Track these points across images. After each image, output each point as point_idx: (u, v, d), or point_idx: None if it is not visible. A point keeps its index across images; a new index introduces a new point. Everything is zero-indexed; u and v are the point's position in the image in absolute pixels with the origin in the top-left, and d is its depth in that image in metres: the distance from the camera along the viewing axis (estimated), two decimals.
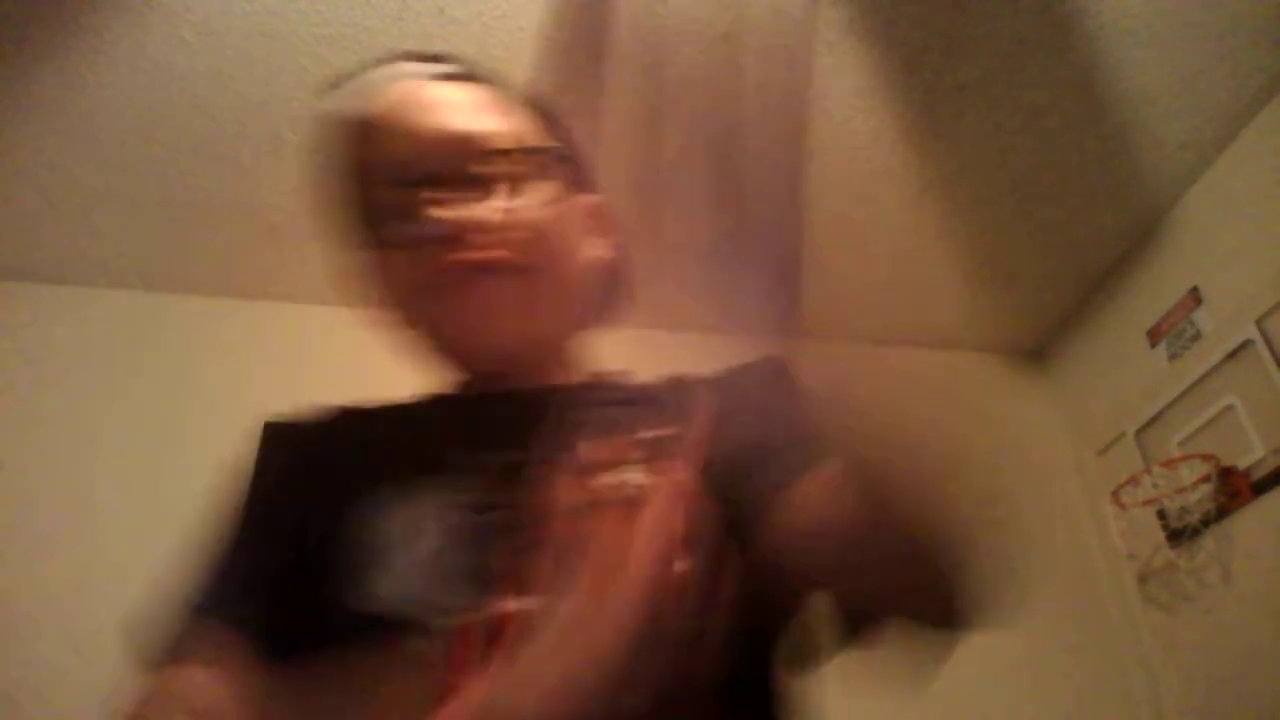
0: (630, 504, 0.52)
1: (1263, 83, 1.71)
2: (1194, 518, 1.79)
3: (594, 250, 0.68)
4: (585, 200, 0.68)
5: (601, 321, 0.71)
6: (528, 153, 0.61)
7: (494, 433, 0.59)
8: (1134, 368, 2.05)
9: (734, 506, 0.56)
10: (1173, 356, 1.94)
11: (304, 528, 0.59)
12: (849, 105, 1.71)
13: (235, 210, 1.89)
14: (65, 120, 1.67)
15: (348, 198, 0.64)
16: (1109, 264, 2.14)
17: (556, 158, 0.65)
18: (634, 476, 0.54)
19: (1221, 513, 1.76)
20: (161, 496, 1.86)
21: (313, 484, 0.62)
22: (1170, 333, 1.95)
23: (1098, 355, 2.21)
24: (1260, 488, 1.69)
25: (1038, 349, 2.41)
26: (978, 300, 2.23)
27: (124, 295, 2.07)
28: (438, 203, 0.58)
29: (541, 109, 0.68)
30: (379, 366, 2.20)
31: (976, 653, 2.08)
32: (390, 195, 0.60)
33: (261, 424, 0.72)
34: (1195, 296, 1.89)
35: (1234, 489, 1.74)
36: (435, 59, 0.67)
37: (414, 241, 0.59)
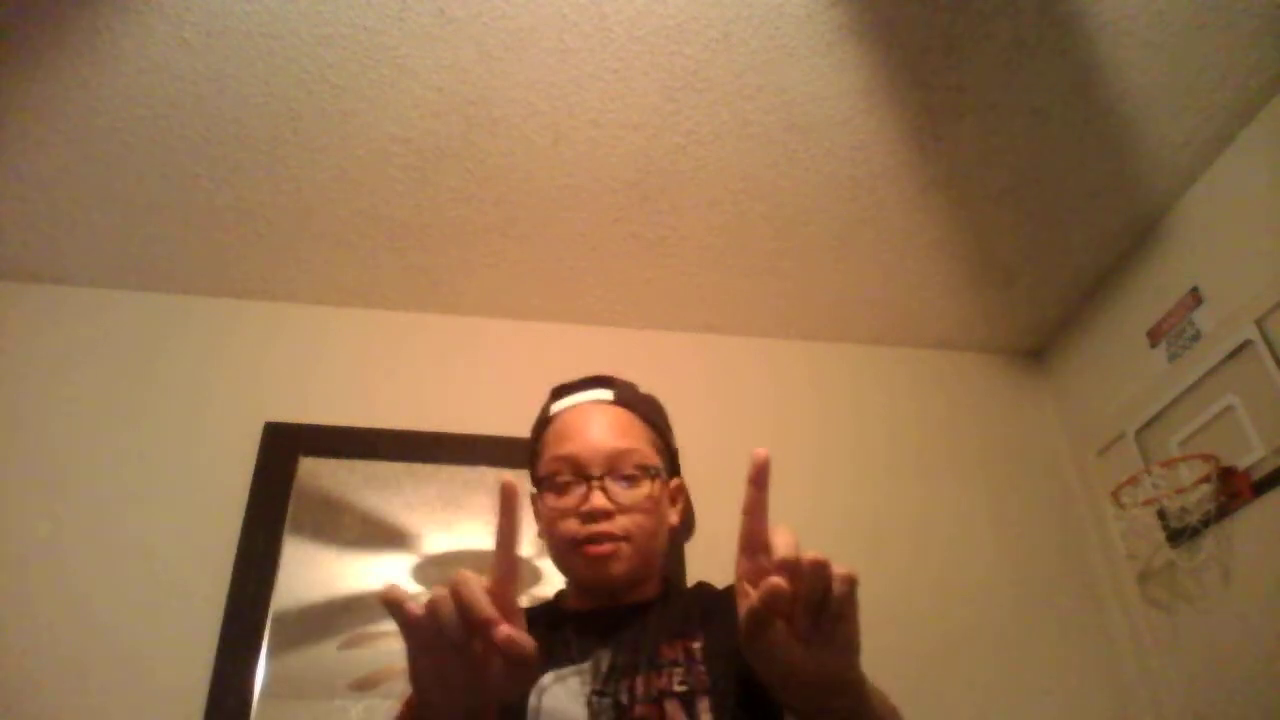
0: (688, 693, 0.87)
1: (1263, 83, 1.71)
2: (1194, 518, 1.79)
3: (673, 518, 1.06)
4: (673, 485, 1.06)
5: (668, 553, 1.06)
6: (646, 465, 0.99)
7: (605, 638, 0.94)
8: (1134, 368, 2.05)
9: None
10: (1173, 356, 1.94)
11: None
12: (849, 105, 1.71)
13: (235, 211, 1.89)
14: (65, 120, 1.67)
15: (535, 462, 1.04)
16: (1109, 264, 2.14)
17: (662, 461, 1.03)
18: (689, 671, 0.89)
19: (1221, 513, 1.76)
20: (161, 496, 1.86)
21: None
22: (1170, 333, 1.95)
23: (1098, 355, 2.21)
24: (1260, 488, 1.69)
25: (1037, 349, 2.41)
26: (977, 300, 2.24)
27: (124, 295, 2.07)
28: (588, 486, 0.96)
29: (659, 425, 1.07)
30: (378, 366, 2.21)
31: (977, 653, 2.07)
32: (559, 470, 0.98)
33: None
34: (1195, 296, 1.89)
35: (1234, 489, 1.74)
36: (609, 384, 1.06)
37: (571, 508, 0.96)
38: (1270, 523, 1.67)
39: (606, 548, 0.95)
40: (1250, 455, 1.71)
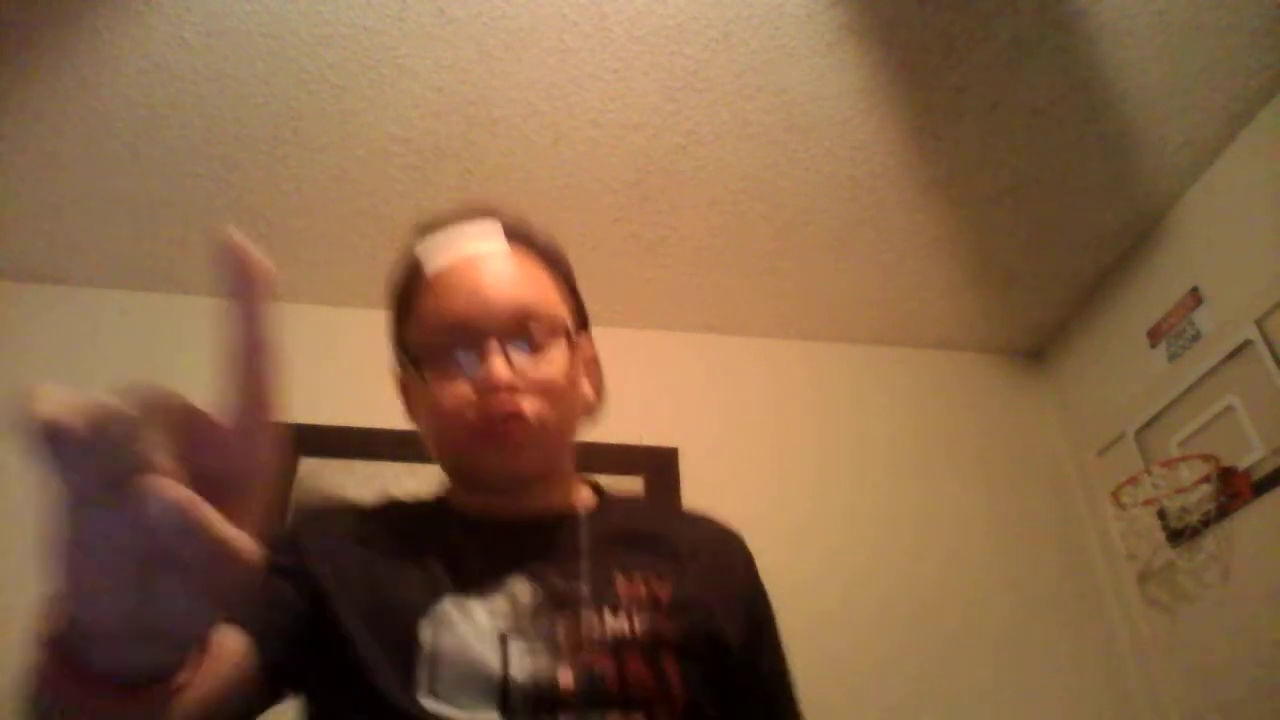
0: (652, 644, 0.68)
1: (1263, 83, 1.71)
2: (1194, 518, 1.79)
3: (586, 391, 0.84)
4: (583, 351, 0.84)
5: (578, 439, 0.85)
6: (553, 321, 0.79)
7: (519, 557, 0.73)
8: (1134, 368, 2.05)
9: (716, 671, 0.72)
10: (1173, 356, 1.94)
11: (325, 596, 0.70)
12: (849, 105, 1.71)
13: (235, 211, 1.89)
14: (65, 120, 1.67)
15: (404, 329, 0.81)
16: (1109, 264, 2.14)
17: (571, 320, 0.82)
18: (653, 618, 0.70)
19: (1221, 513, 1.76)
20: None
21: (346, 559, 0.73)
22: (1170, 333, 1.95)
23: (1098, 355, 2.21)
24: (1260, 488, 1.69)
25: (1037, 349, 2.41)
26: (977, 300, 2.24)
27: (124, 295, 2.07)
28: (483, 354, 0.74)
29: (564, 273, 0.86)
30: (378, 366, 2.21)
31: (977, 653, 2.07)
32: (443, 339, 0.76)
33: (294, 511, 0.84)
34: (1195, 296, 1.89)
35: (1234, 489, 1.74)
36: (496, 222, 0.84)
37: (458, 382, 0.75)
38: (1270, 523, 1.67)
39: (514, 429, 0.73)
40: (1250, 455, 1.71)
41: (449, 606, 0.68)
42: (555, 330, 0.78)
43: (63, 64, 1.57)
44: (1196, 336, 1.87)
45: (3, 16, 1.49)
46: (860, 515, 2.10)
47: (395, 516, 0.81)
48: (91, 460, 0.34)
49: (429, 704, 0.63)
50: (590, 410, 0.85)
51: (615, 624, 0.68)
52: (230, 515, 0.35)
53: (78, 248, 1.96)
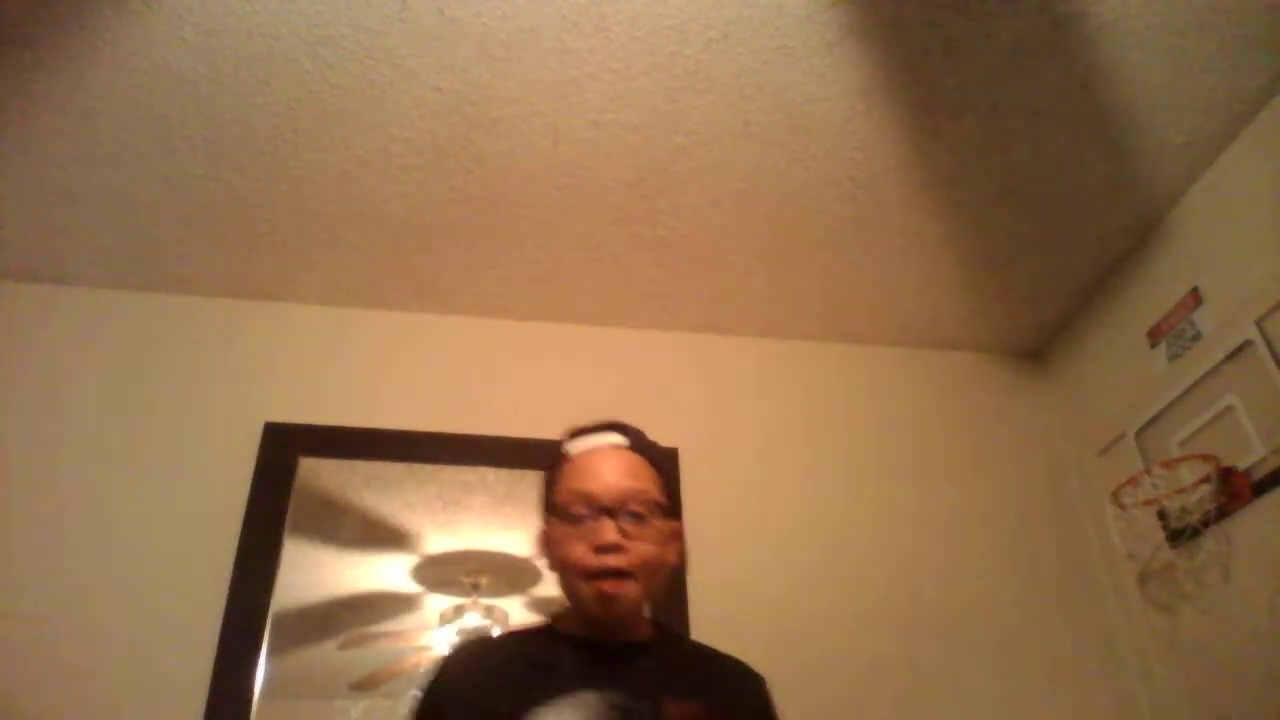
0: None
1: (1263, 83, 1.71)
2: (1194, 518, 1.79)
3: (671, 558, 1.13)
4: (672, 526, 1.15)
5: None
6: (655, 504, 1.10)
7: (601, 671, 1.02)
8: (1134, 368, 2.05)
9: None
10: (1173, 357, 1.94)
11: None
12: (849, 105, 1.71)
13: (235, 211, 1.89)
14: (65, 120, 1.67)
15: (550, 494, 1.14)
16: (1109, 264, 2.14)
17: (666, 504, 1.13)
18: None
19: (1221, 513, 1.76)
20: (162, 496, 1.86)
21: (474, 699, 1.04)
22: (1170, 333, 1.95)
23: (1098, 355, 2.21)
24: (1260, 488, 1.69)
25: (1038, 349, 2.41)
26: (977, 300, 2.24)
27: (124, 295, 2.08)
28: (600, 521, 1.06)
29: (665, 472, 1.16)
30: (378, 366, 2.21)
31: (976, 654, 2.07)
32: (575, 504, 1.08)
33: (454, 647, 1.24)
34: (1195, 296, 1.89)
35: (1234, 489, 1.74)
36: (623, 430, 1.15)
37: (584, 537, 1.06)
38: (1270, 523, 1.67)
39: (619, 586, 1.04)
40: (1250, 455, 1.71)
41: (545, 712, 0.95)
42: (652, 509, 1.09)
43: (63, 64, 1.57)
44: (1196, 336, 1.87)
45: (3, 16, 1.49)
46: (861, 515, 2.10)
47: (512, 648, 1.14)
48: None
49: None
50: (673, 571, 1.15)
51: None
52: None
53: (78, 248, 1.96)
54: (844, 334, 2.34)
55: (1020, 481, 2.22)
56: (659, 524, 1.09)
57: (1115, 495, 1.96)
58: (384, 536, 1.90)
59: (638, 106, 1.71)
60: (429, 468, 1.97)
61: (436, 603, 1.85)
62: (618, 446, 1.14)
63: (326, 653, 1.78)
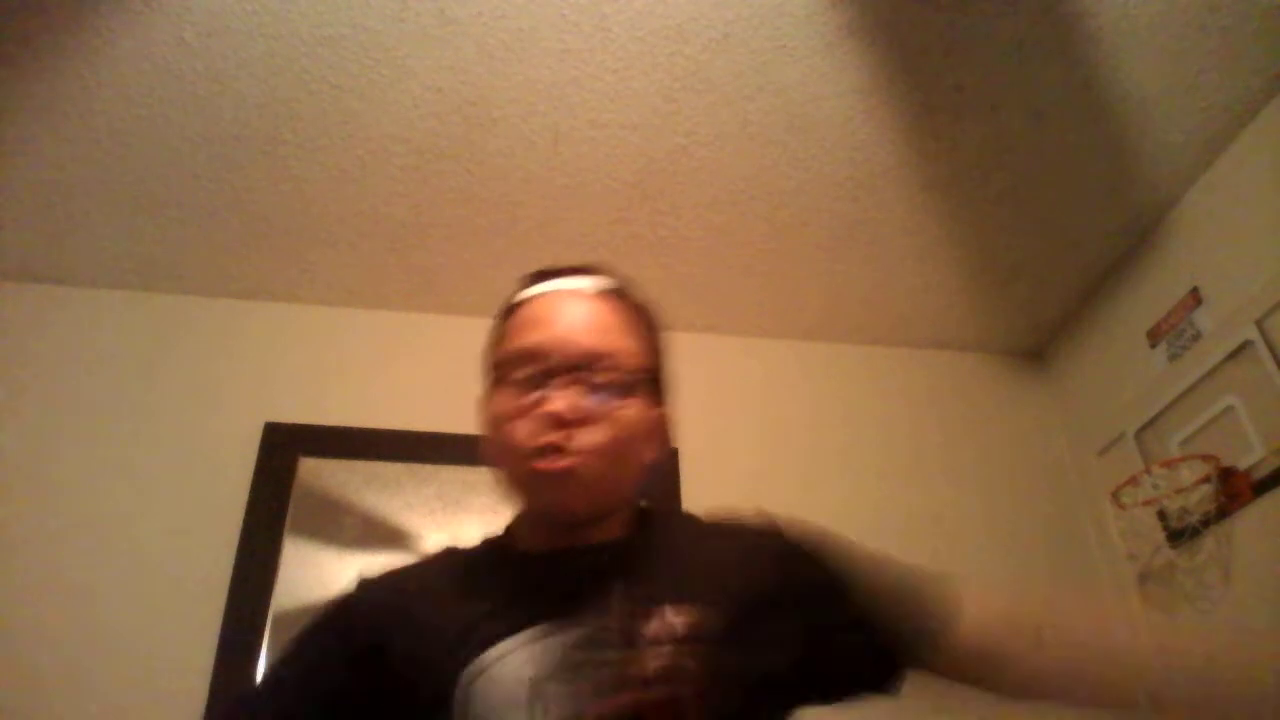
0: (674, 690, 0.66)
1: (1263, 83, 1.71)
2: (1194, 518, 1.79)
3: (650, 453, 0.84)
4: (656, 413, 0.85)
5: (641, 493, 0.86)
6: (630, 376, 0.80)
7: (559, 593, 0.75)
8: (1134, 368, 2.05)
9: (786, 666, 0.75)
10: (1173, 357, 1.93)
11: (373, 666, 0.75)
12: (849, 105, 1.71)
13: (235, 211, 1.89)
14: (65, 120, 1.67)
15: (492, 350, 0.86)
16: (1109, 264, 2.14)
17: (647, 379, 0.84)
18: (675, 658, 0.68)
19: (1221, 513, 1.75)
20: (162, 496, 1.86)
21: (394, 623, 0.78)
22: (1170, 333, 1.95)
23: (1098, 355, 2.21)
24: (1260, 488, 1.69)
25: (1038, 349, 2.41)
26: (978, 300, 2.24)
27: (125, 295, 2.07)
28: (550, 387, 0.77)
29: (652, 337, 0.88)
30: (378, 366, 2.21)
31: None
32: (516, 362, 0.80)
33: (357, 580, 0.89)
34: (1195, 296, 1.89)
35: (1234, 489, 1.74)
36: (593, 272, 0.88)
37: (524, 408, 0.78)
38: (1270, 523, 1.67)
39: (561, 463, 0.75)
40: (1250, 455, 1.71)
41: (489, 655, 0.70)
42: (625, 382, 0.80)
43: (63, 64, 1.57)
44: (1196, 336, 1.87)
45: (3, 16, 1.49)
46: (861, 515, 2.09)
47: (449, 567, 0.85)
48: None
49: None
50: (648, 467, 0.85)
51: (640, 664, 0.67)
52: None
53: (78, 248, 1.96)
54: (844, 334, 2.34)
55: (1020, 481, 2.22)
56: (637, 405, 0.80)
57: (1115, 495, 1.96)
58: (384, 536, 1.90)
59: (638, 106, 1.71)
60: (429, 468, 1.96)
61: None
62: (583, 293, 0.85)
63: None
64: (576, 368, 0.78)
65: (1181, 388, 1.88)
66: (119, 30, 1.53)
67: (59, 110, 1.65)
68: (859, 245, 2.05)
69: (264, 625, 1.74)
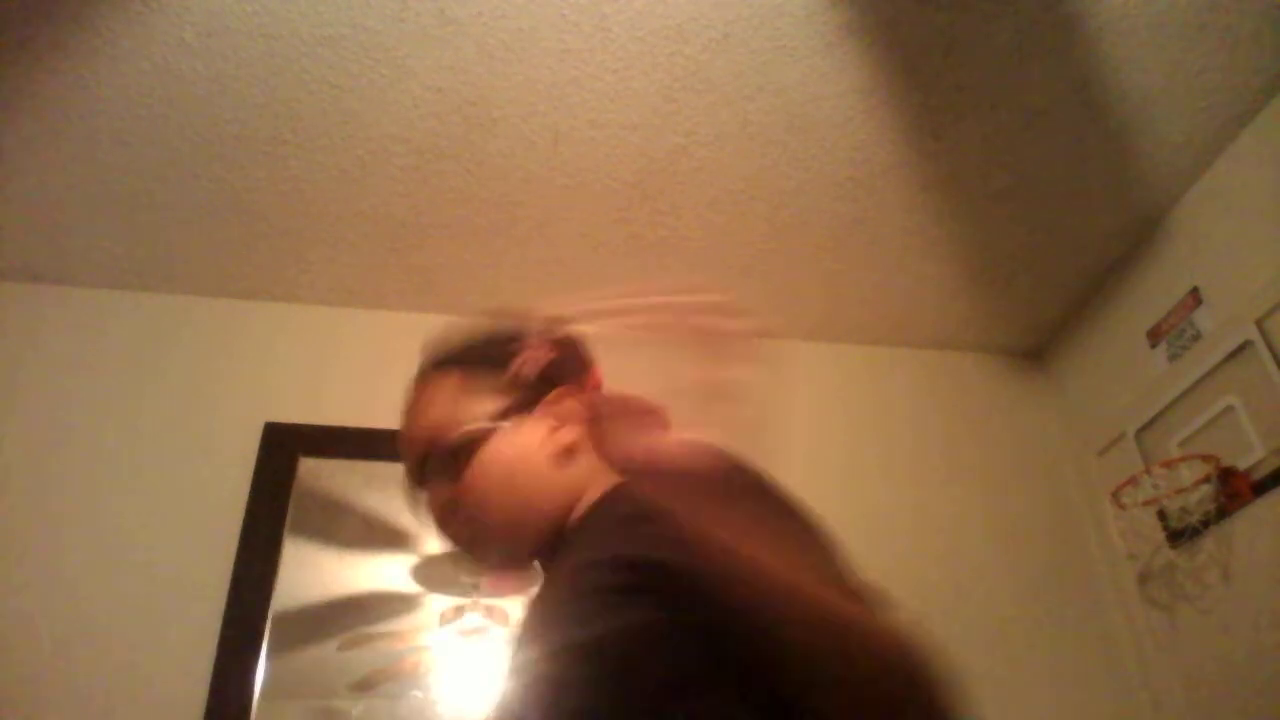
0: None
1: (1263, 83, 1.71)
2: (1194, 518, 1.79)
3: (555, 445, 0.81)
4: (536, 418, 0.81)
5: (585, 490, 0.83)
6: (453, 444, 0.79)
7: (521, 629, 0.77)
8: (1134, 368, 2.05)
9: None
10: (1173, 357, 1.94)
11: None
12: (849, 105, 1.71)
13: (235, 211, 1.89)
14: (65, 120, 1.67)
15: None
16: (1109, 264, 2.14)
17: (493, 414, 0.80)
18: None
19: (1221, 513, 1.76)
20: (162, 496, 1.86)
21: None
22: (1170, 333, 1.95)
23: (1098, 355, 2.21)
24: (1260, 488, 1.69)
25: (1038, 349, 2.41)
26: (977, 300, 2.24)
27: (124, 295, 2.07)
28: (420, 493, 0.82)
29: (472, 359, 0.84)
30: (378, 366, 2.20)
31: (976, 654, 2.07)
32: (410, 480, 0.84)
33: None
34: (1195, 296, 1.89)
35: (1234, 489, 1.74)
36: (426, 351, 0.85)
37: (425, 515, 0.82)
38: (1270, 523, 1.67)
39: (471, 551, 0.81)
40: (1250, 455, 1.71)
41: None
42: (459, 449, 0.79)
43: (63, 64, 1.57)
44: (1196, 337, 1.87)
45: (3, 16, 1.49)
46: (861, 515, 2.09)
47: None
48: None
49: None
50: (558, 460, 0.81)
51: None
52: None
53: (78, 248, 1.96)
54: (844, 334, 2.34)
55: (1020, 481, 2.22)
56: (487, 451, 0.79)
57: (1115, 495, 1.96)
58: (384, 536, 1.90)
59: (638, 106, 1.71)
60: None
61: (436, 603, 1.85)
62: (413, 383, 0.86)
63: (326, 653, 1.78)
64: (422, 464, 0.82)
65: (1181, 388, 1.88)
66: (119, 30, 1.53)
67: (59, 110, 1.65)
68: (859, 245, 2.05)
69: (264, 625, 1.74)
